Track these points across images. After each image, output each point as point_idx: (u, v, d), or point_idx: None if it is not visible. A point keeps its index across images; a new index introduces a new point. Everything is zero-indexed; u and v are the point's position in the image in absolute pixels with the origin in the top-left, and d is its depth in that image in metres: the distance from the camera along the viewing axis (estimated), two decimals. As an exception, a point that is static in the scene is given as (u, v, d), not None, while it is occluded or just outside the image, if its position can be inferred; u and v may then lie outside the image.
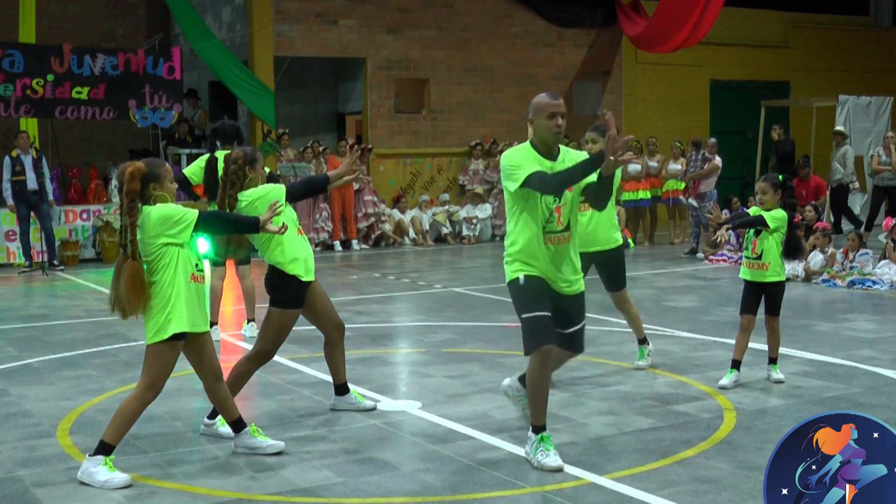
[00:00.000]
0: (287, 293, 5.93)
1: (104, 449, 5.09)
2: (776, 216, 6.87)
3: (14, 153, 14.39)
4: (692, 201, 15.75)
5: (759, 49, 21.89)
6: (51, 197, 14.67)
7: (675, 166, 16.93)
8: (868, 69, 22.95)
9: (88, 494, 4.93)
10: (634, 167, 17.29)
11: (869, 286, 11.64)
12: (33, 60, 15.09)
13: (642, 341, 7.62)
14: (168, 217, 5.07)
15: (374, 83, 18.39)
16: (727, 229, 7.06)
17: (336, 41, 17.97)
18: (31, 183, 14.30)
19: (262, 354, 5.98)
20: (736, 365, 6.99)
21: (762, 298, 7.01)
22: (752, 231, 6.96)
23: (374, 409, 6.44)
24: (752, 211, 7.06)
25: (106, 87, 15.49)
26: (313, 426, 6.13)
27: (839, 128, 18.29)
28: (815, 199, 15.94)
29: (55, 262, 14.70)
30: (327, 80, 20.40)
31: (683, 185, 16.54)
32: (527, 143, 5.30)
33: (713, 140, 16.44)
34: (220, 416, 5.76)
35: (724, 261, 14.21)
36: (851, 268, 12.14)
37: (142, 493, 4.94)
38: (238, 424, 5.49)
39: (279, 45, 17.45)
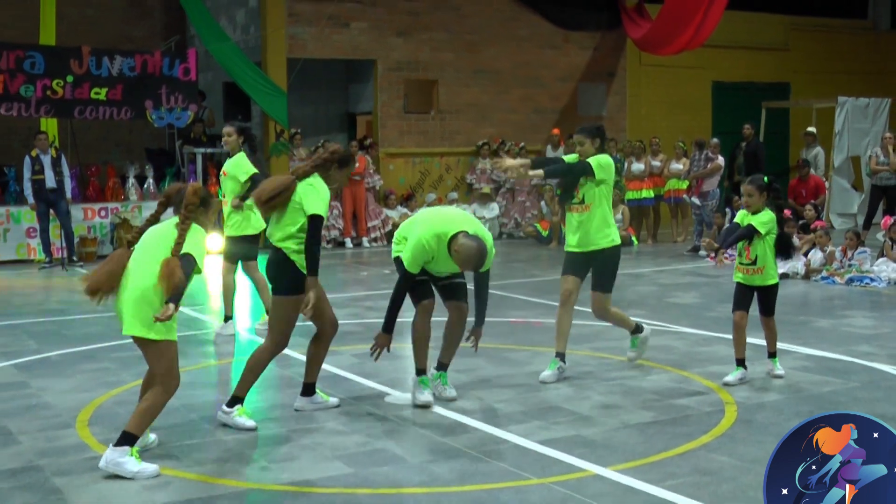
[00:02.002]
0: (288, 279, 6.00)
1: (128, 439, 5.14)
2: (764, 220, 6.83)
3: (34, 153, 14.63)
4: (695, 200, 15.96)
5: (760, 51, 21.96)
6: (68, 195, 14.93)
7: (678, 166, 17.09)
8: (866, 71, 23.01)
9: (107, 483, 5.02)
10: (638, 167, 17.59)
11: (867, 283, 11.79)
12: (53, 62, 15.30)
13: (635, 330, 7.51)
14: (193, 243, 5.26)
15: (385, 84, 18.53)
16: (723, 253, 7.22)
17: (347, 43, 18.10)
18: (50, 181, 14.55)
19: (275, 345, 6.07)
20: (741, 363, 6.98)
21: (755, 295, 7.01)
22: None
23: (338, 406, 6.45)
24: (740, 215, 7.04)
25: (123, 88, 15.70)
26: (324, 418, 6.21)
27: (811, 129, 18.42)
28: (814, 198, 16.13)
29: (74, 258, 14.93)
30: (339, 81, 20.46)
31: (686, 184, 16.70)
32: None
33: (716, 140, 16.62)
34: (237, 406, 5.96)
35: (727, 258, 14.46)
36: (850, 265, 12.25)
37: (157, 483, 5.02)
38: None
39: (292, 47, 17.56)
